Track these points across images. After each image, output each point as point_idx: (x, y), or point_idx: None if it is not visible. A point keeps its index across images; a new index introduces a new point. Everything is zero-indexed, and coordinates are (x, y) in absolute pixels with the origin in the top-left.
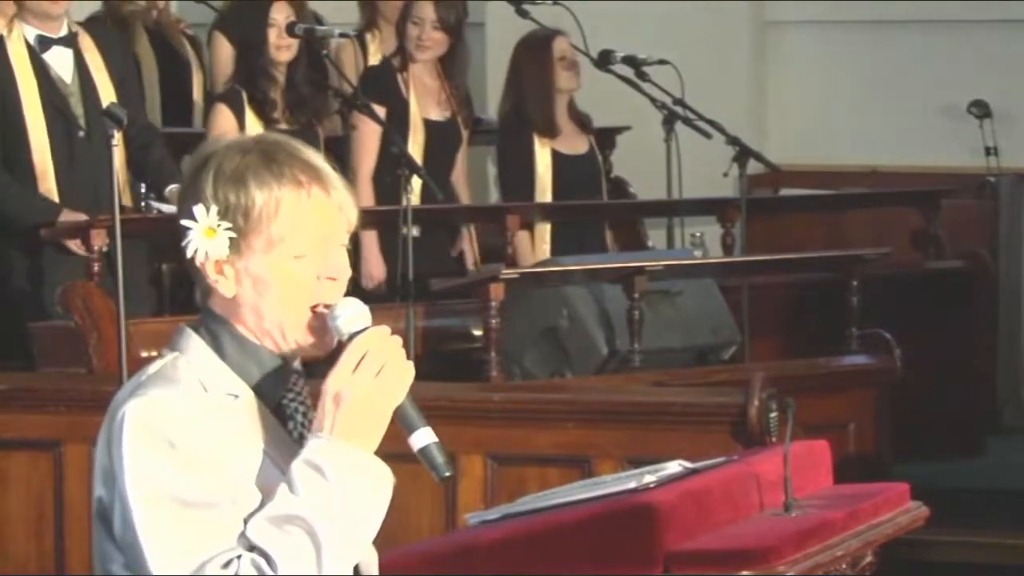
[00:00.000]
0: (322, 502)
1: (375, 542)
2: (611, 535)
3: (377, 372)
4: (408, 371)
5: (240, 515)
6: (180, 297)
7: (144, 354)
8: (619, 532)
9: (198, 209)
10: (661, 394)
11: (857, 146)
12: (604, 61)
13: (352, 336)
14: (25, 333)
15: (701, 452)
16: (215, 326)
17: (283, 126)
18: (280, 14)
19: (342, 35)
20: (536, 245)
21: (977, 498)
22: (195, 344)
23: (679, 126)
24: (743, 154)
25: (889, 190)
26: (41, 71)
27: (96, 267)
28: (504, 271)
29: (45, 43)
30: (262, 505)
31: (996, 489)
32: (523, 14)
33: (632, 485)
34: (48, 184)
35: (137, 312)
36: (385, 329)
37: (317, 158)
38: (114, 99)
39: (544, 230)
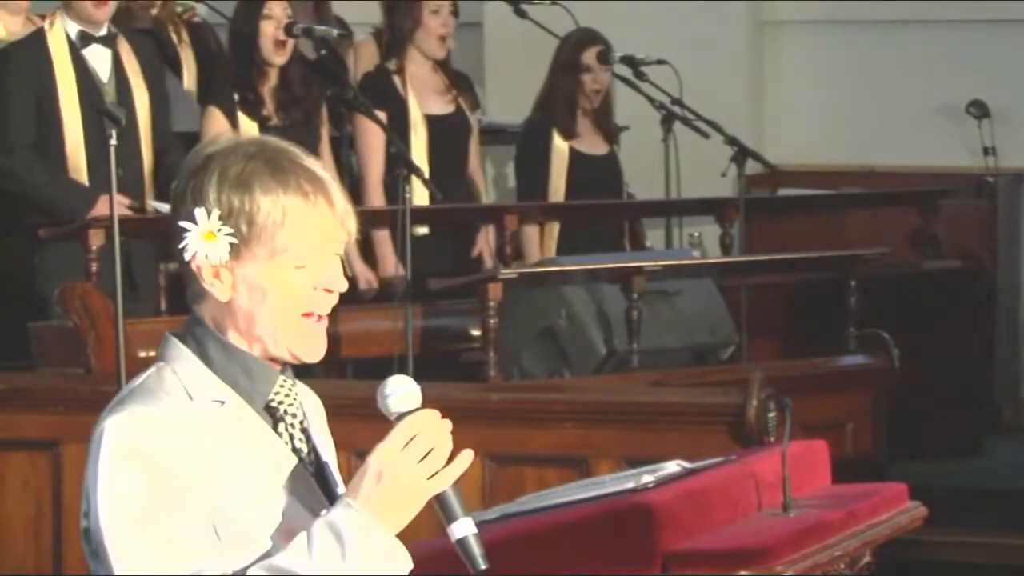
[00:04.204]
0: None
1: None
2: (609, 535)
3: (424, 456)
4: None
5: (215, 534)
6: (180, 297)
7: (142, 354)
8: (617, 532)
9: (199, 212)
10: (659, 394)
11: (855, 146)
12: (602, 61)
13: (401, 415)
14: (25, 333)
15: (699, 452)
16: (200, 333)
17: (276, 123)
18: (276, 9)
19: (340, 35)
20: (544, 243)
21: (975, 498)
22: (180, 352)
23: (677, 126)
24: (741, 154)
25: (887, 190)
26: (80, 66)
27: (95, 267)
28: (502, 271)
29: (86, 40)
30: (238, 520)
31: (994, 489)
32: (521, 14)
33: (630, 485)
34: (80, 177)
35: (146, 312)
36: (436, 413)
37: (320, 167)
38: (147, 103)
39: (552, 228)
